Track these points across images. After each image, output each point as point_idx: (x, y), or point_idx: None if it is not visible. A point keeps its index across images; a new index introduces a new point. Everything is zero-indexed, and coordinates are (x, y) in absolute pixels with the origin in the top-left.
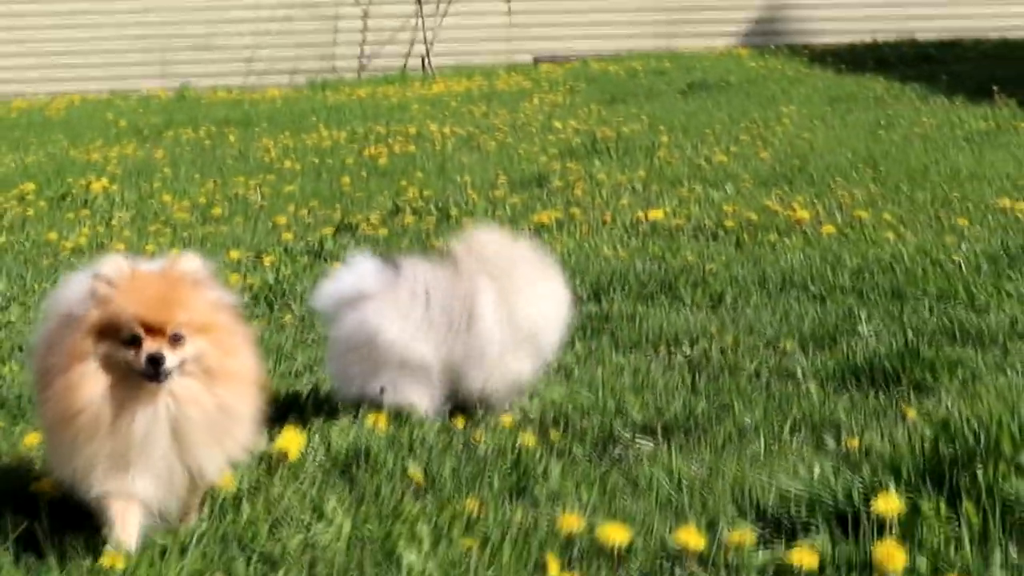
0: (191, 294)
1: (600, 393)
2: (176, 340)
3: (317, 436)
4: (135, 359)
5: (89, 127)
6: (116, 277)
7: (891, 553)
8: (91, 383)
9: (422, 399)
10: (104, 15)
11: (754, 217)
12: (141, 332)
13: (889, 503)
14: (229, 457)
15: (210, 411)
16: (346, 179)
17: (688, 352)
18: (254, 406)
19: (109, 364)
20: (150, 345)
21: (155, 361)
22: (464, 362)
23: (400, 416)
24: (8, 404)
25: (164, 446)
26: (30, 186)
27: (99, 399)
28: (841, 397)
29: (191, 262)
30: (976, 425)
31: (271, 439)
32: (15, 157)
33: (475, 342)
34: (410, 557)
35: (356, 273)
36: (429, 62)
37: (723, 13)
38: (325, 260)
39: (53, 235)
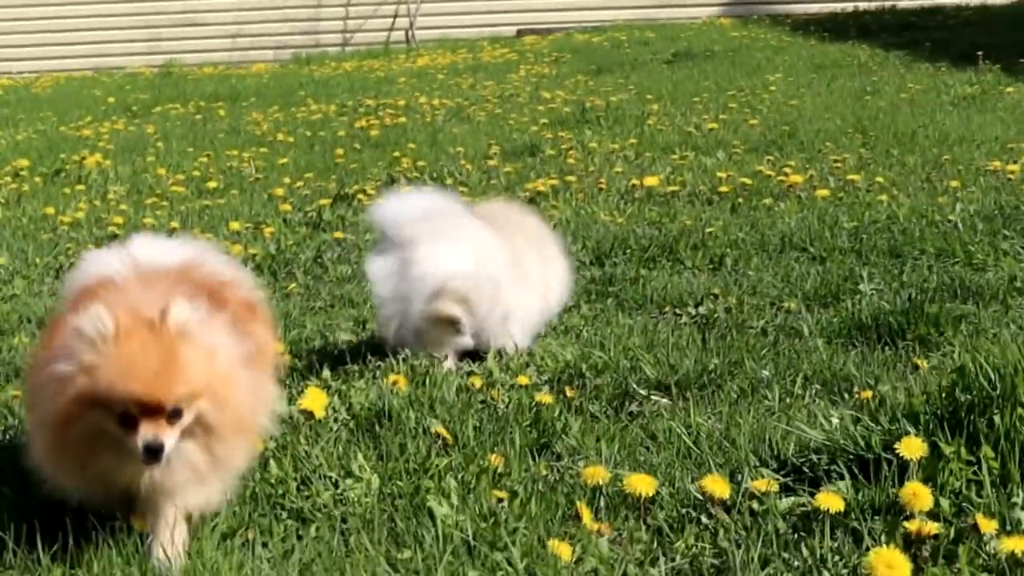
0: (189, 357)
1: (612, 352)
2: (175, 415)
3: (336, 397)
4: (130, 440)
5: (77, 104)
6: (100, 339)
7: (917, 493)
8: (77, 446)
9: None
10: None
11: (748, 182)
12: (136, 412)
13: (912, 446)
14: (216, 495)
15: (202, 468)
16: (339, 151)
17: (694, 312)
18: (252, 446)
19: (98, 432)
20: (148, 430)
21: (154, 451)
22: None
23: (418, 375)
24: (23, 374)
25: (145, 492)
26: (23, 162)
27: (84, 456)
28: (849, 353)
29: (182, 311)
30: (991, 372)
31: (293, 401)
32: (5, 134)
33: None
34: (441, 510)
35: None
36: (413, 35)
37: None
38: (323, 230)
39: (50, 209)
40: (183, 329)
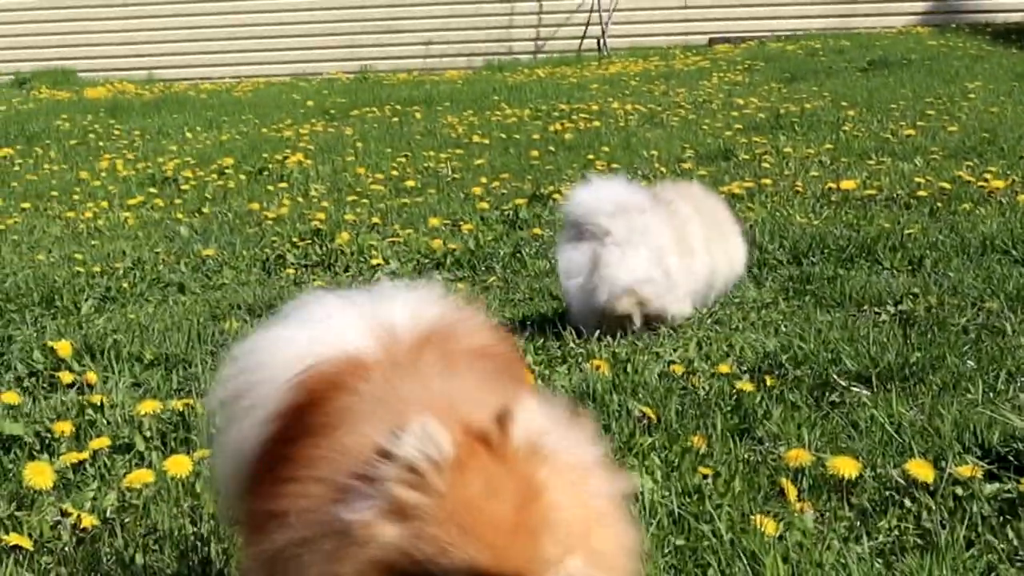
0: (557, 496)
1: (812, 344)
2: None
3: (540, 381)
4: None
5: (276, 107)
6: (431, 471)
7: None
8: None
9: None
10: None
11: (947, 187)
12: None
13: None
14: None
15: None
16: (534, 152)
17: (894, 310)
18: None
19: None
20: None
21: None
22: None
23: (619, 361)
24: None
25: None
26: (228, 160)
27: None
28: None
29: (533, 420)
30: None
31: None
32: (210, 135)
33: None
34: (647, 484)
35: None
36: (605, 43)
37: None
38: (520, 228)
39: (255, 205)
40: (540, 450)
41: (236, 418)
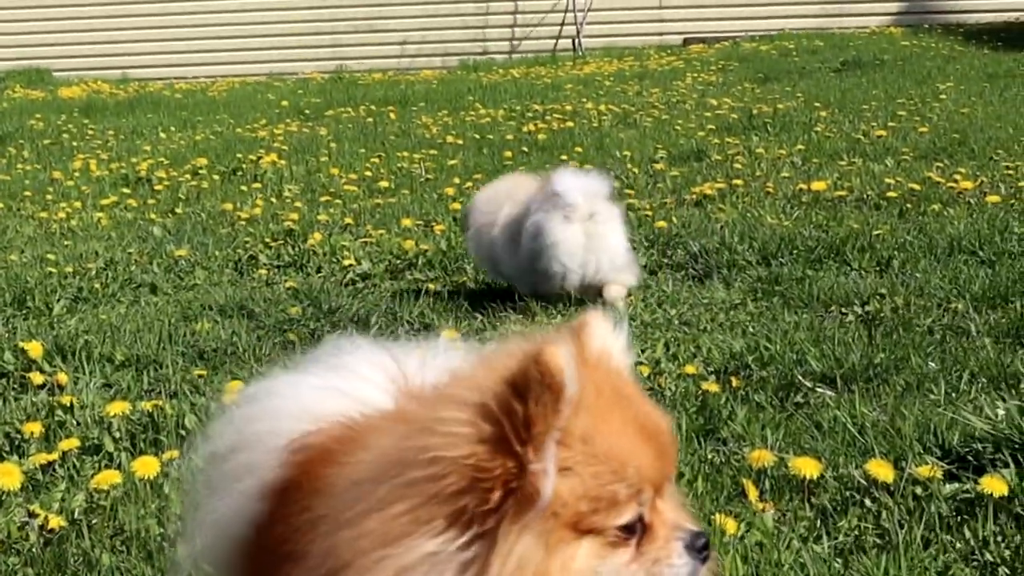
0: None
1: (778, 345)
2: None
3: None
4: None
5: (251, 107)
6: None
7: None
8: None
9: None
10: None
11: (917, 188)
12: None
13: None
14: None
15: None
16: (508, 153)
17: (861, 311)
18: None
19: None
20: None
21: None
22: None
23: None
24: (207, 355)
25: None
26: (202, 161)
27: None
28: (1017, 352)
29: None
30: None
31: None
32: (184, 135)
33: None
34: None
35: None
36: (579, 43)
37: None
38: None
39: (228, 205)
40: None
41: (222, 483)
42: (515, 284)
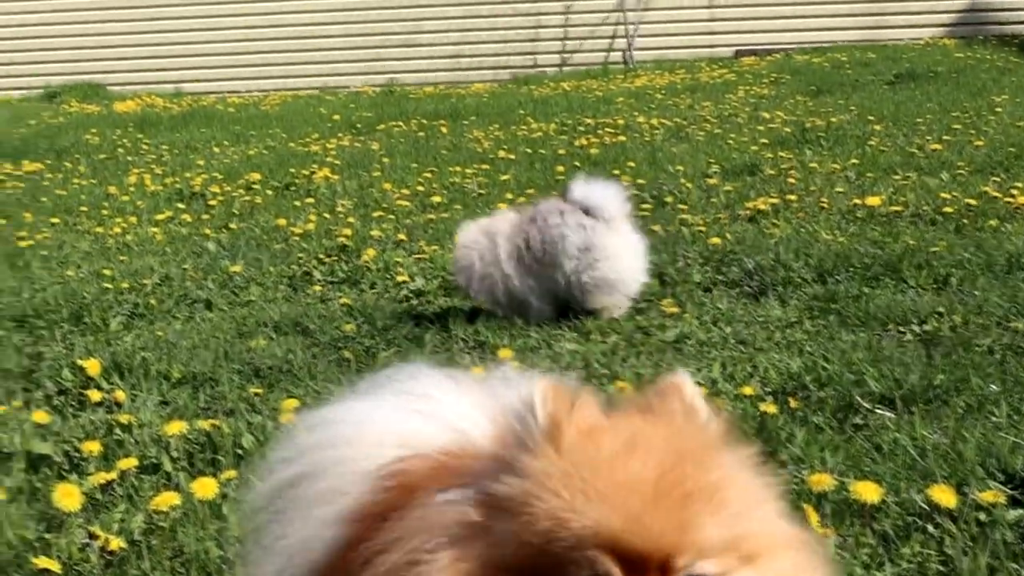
0: (720, 476)
1: (836, 365)
2: None
3: None
4: None
5: (303, 121)
6: (542, 429)
7: None
8: None
9: None
10: (314, 14)
11: (973, 203)
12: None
13: None
14: None
15: None
16: (560, 168)
17: (919, 329)
18: None
19: None
20: None
21: None
22: None
23: (642, 382)
24: (263, 372)
25: None
26: (255, 176)
27: None
28: None
29: (686, 383)
30: None
31: None
32: (238, 149)
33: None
34: None
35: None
36: (631, 56)
37: (928, 4)
38: None
39: (282, 221)
40: (699, 412)
41: (295, 510)
42: (528, 309)
